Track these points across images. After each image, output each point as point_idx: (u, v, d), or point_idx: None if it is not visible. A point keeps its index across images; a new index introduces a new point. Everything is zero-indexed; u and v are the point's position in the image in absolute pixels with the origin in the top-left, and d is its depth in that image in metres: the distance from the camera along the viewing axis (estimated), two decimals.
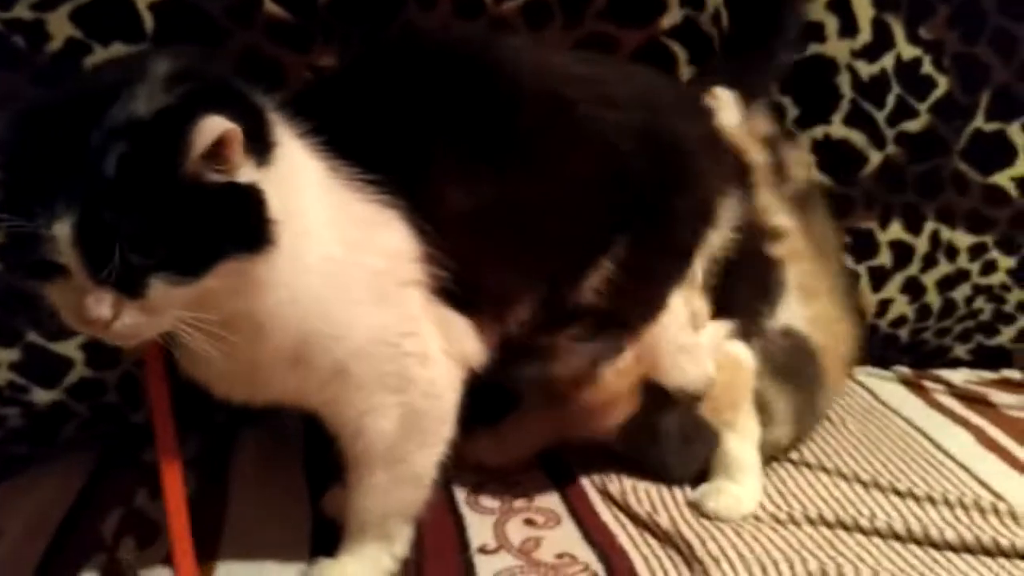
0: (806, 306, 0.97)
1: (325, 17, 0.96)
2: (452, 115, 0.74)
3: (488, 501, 0.90)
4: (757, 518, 0.86)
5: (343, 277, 0.69)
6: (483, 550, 0.82)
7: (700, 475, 0.92)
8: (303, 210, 0.66)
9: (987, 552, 0.80)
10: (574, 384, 0.88)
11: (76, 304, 0.59)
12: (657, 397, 0.90)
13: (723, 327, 0.93)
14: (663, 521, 0.84)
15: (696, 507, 0.88)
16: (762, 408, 0.92)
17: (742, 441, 0.91)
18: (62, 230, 0.56)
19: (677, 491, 0.91)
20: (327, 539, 0.80)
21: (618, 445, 0.93)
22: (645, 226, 0.83)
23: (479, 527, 0.85)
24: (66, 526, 0.86)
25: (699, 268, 0.89)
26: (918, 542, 0.82)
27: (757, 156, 0.99)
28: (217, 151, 0.59)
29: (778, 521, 0.85)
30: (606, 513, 0.88)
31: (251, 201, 0.61)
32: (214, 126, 0.58)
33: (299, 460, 0.96)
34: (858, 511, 0.86)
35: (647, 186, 0.82)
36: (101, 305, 0.58)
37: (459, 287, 0.74)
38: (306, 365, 0.70)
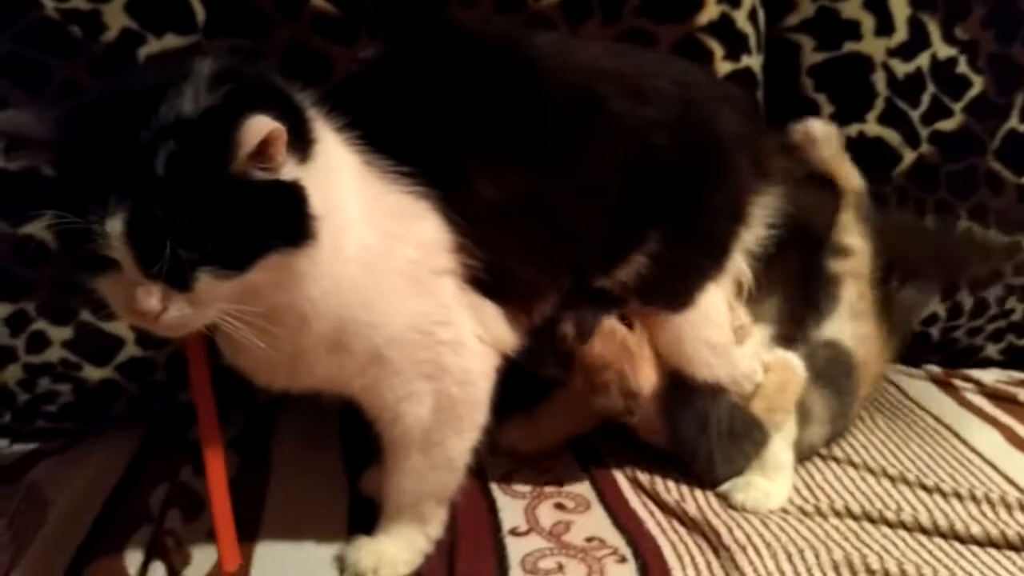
0: (856, 324, 0.99)
1: (370, 11, 0.98)
2: (484, 109, 0.76)
3: (520, 486, 0.92)
4: (784, 509, 0.88)
5: (380, 267, 0.72)
6: (514, 532, 0.84)
7: None
8: (342, 203, 0.69)
9: (1012, 547, 0.81)
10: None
11: (126, 296, 0.62)
12: (707, 389, 0.91)
13: (765, 332, 0.95)
14: (691, 509, 0.86)
15: (724, 498, 0.89)
16: (800, 409, 0.94)
17: (782, 441, 0.92)
18: (115, 226, 0.59)
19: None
20: (364, 518, 0.83)
21: (665, 440, 0.94)
22: (678, 222, 0.84)
23: (511, 510, 0.87)
24: (114, 498, 0.89)
25: (742, 273, 0.90)
26: (943, 535, 0.83)
27: (854, 181, 1.02)
28: (263, 150, 0.61)
29: (805, 512, 0.87)
30: (635, 500, 0.89)
31: (294, 198, 0.64)
32: (261, 126, 0.60)
33: (337, 441, 0.99)
34: (885, 504, 0.88)
35: (680, 182, 0.83)
36: (151, 298, 0.61)
37: (490, 276, 0.76)
38: (345, 352, 0.72)
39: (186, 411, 0.92)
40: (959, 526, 0.83)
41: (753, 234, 0.90)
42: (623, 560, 0.80)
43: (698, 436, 0.91)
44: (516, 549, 0.81)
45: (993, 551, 0.81)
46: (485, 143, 0.76)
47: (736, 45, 1.06)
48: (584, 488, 0.92)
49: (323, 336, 0.71)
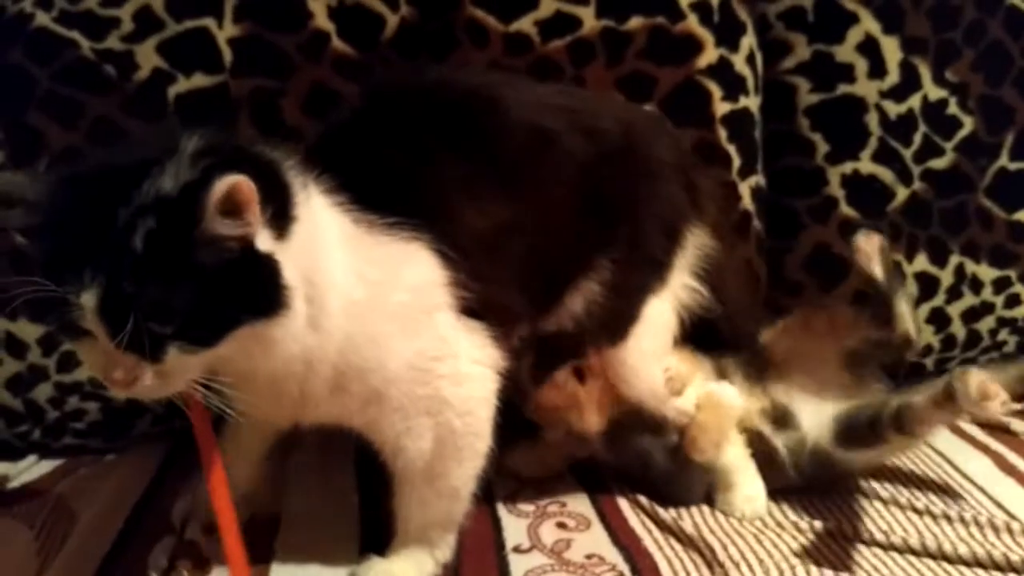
0: None
1: (386, 53, 1.04)
2: (458, 149, 0.80)
3: (524, 506, 0.95)
4: (780, 525, 0.91)
5: (371, 317, 0.74)
6: (517, 550, 0.87)
7: None
8: (327, 267, 0.72)
9: (997, 567, 0.83)
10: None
11: (101, 363, 0.65)
12: (639, 425, 0.95)
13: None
14: (687, 526, 0.89)
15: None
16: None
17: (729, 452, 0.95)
18: (89, 300, 0.61)
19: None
20: (375, 537, 0.85)
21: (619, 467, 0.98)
22: (622, 243, 0.89)
23: (514, 529, 0.90)
24: (138, 511, 0.92)
25: (670, 315, 0.94)
26: (932, 556, 0.85)
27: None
28: (232, 206, 0.62)
29: (799, 530, 0.89)
30: (633, 518, 0.92)
31: (267, 270, 0.66)
32: (227, 179, 0.61)
33: (351, 460, 1.02)
34: (876, 526, 0.90)
35: (622, 207, 0.88)
36: (121, 368, 0.64)
37: (479, 304, 0.79)
38: (344, 392, 0.75)
39: None
40: (947, 547, 0.85)
41: (687, 260, 0.94)
42: None
43: (644, 472, 0.95)
44: (519, 565, 0.84)
45: (979, 571, 0.83)
46: (465, 179, 0.79)
47: (734, 87, 1.11)
48: (585, 508, 0.95)
49: (326, 380, 0.74)
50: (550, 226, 0.84)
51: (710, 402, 0.95)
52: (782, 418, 0.97)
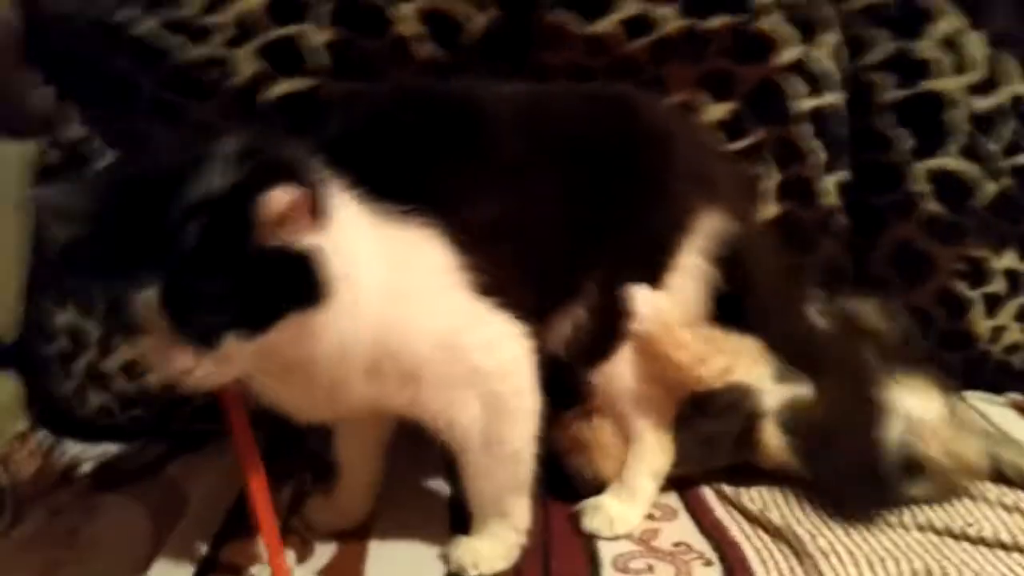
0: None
1: (470, 56, 1.07)
2: (453, 149, 0.83)
3: None
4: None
5: (395, 300, 0.76)
6: (605, 538, 0.89)
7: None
8: (356, 254, 0.74)
9: None
10: None
11: (161, 356, 0.69)
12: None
13: None
14: (775, 518, 0.90)
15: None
16: None
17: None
18: (149, 296, 0.66)
19: (788, 492, 0.95)
20: (466, 520, 0.88)
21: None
22: (623, 235, 0.88)
23: None
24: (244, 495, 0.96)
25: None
26: (1022, 551, 0.85)
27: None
28: (286, 217, 0.67)
29: (888, 524, 0.89)
30: (720, 509, 0.94)
31: (312, 262, 0.70)
32: (283, 196, 0.66)
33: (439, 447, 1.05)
34: (966, 521, 0.90)
35: (621, 196, 0.88)
36: (182, 358, 0.68)
37: (493, 290, 0.81)
38: (380, 374, 0.78)
39: None
40: None
41: (697, 244, 0.92)
42: (709, 564, 0.84)
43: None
44: (607, 551, 0.87)
45: None
46: (458, 178, 0.82)
47: (818, 83, 1.11)
48: (671, 499, 0.96)
49: (362, 364, 0.76)
50: (546, 222, 0.85)
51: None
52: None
